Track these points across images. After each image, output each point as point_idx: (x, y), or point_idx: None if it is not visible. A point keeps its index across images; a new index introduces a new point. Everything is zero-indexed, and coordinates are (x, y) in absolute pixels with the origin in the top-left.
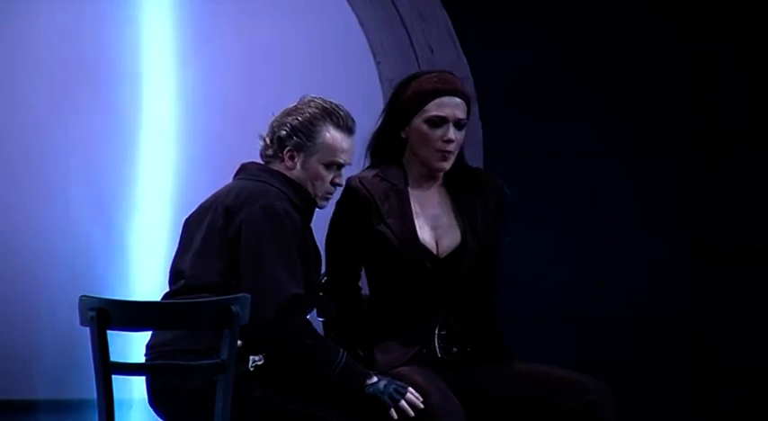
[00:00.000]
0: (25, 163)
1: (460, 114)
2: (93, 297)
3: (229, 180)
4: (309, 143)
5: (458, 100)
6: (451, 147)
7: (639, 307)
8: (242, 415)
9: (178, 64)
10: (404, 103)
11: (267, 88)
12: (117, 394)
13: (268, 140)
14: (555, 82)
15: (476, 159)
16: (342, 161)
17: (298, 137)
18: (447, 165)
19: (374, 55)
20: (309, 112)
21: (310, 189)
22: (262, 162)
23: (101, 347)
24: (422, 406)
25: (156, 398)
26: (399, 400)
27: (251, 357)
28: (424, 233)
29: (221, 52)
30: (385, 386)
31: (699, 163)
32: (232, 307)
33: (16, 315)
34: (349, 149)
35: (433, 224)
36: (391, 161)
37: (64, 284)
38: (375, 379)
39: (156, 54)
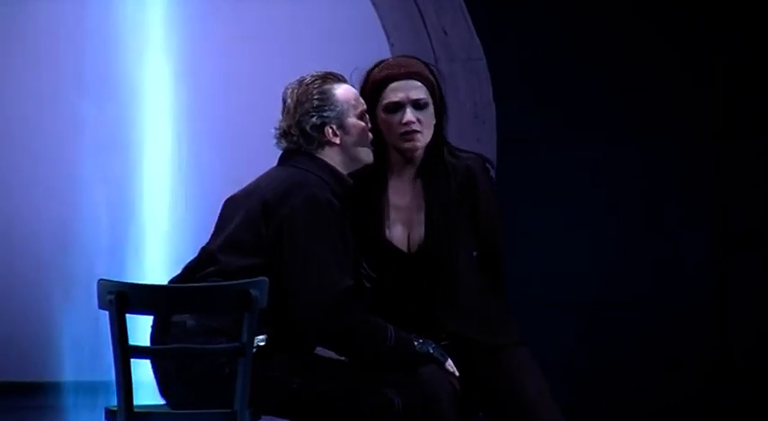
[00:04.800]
0: (49, 154)
1: (416, 95)
2: (111, 280)
3: (239, 165)
4: (338, 109)
5: (413, 82)
6: (414, 127)
7: (652, 297)
8: (253, 396)
9: (184, 45)
10: (365, 96)
11: (280, 69)
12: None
13: (301, 140)
14: (569, 65)
15: (489, 142)
16: (364, 106)
17: (325, 112)
18: (416, 145)
19: (388, 36)
20: (313, 89)
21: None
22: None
23: (119, 330)
24: (457, 373)
25: (176, 380)
26: (447, 360)
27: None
28: (395, 231)
29: (230, 33)
30: (434, 348)
31: (712, 149)
32: (251, 291)
33: (41, 300)
34: (358, 94)
35: (405, 219)
36: (377, 152)
37: (86, 270)
38: (420, 340)
39: (160, 33)
